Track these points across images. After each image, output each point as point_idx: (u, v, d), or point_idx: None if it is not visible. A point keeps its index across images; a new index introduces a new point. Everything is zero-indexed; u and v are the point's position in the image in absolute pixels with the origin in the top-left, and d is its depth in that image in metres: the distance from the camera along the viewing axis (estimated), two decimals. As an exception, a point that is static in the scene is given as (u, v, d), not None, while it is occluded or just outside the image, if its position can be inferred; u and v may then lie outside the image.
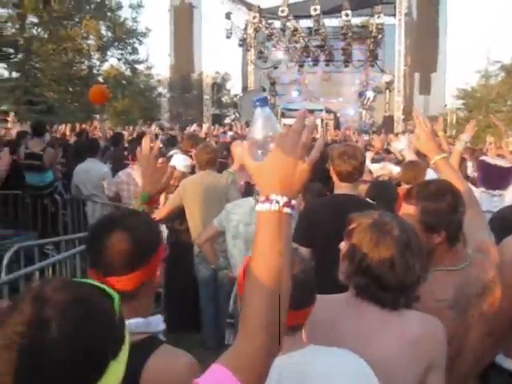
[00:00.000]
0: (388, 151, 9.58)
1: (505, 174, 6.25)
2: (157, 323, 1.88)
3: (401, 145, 8.09)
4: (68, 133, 12.73)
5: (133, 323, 1.71)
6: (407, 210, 2.50)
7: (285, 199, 1.33)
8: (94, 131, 11.68)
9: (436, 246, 2.43)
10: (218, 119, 26.94)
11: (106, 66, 39.59)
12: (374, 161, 7.80)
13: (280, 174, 1.34)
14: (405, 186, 5.68)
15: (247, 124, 18.23)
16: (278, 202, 1.32)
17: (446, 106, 25.28)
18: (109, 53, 38.72)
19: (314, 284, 1.93)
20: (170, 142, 9.55)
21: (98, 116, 13.28)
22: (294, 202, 1.35)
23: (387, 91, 28.28)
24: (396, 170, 7.05)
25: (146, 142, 2.64)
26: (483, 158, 7.11)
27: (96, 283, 1.19)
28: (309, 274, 1.92)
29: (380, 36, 27.99)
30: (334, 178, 3.94)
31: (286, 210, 1.33)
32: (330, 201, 4.09)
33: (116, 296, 1.17)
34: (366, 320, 2.06)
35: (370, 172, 6.86)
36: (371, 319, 2.06)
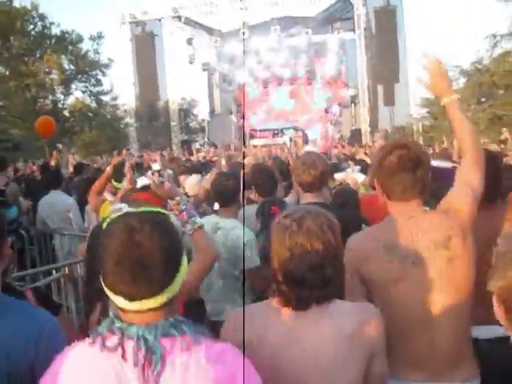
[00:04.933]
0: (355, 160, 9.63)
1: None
2: None
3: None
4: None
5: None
6: None
7: None
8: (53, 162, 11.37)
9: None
10: (186, 145, 26.82)
11: (70, 100, 39.42)
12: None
13: None
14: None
15: (214, 146, 18.21)
16: None
17: (411, 115, 25.48)
18: (73, 86, 38.55)
19: None
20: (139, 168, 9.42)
21: (60, 146, 13.04)
22: None
23: (352, 105, 28.54)
24: (361, 178, 7.03)
25: None
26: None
27: (159, 210, 1.77)
28: None
29: (342, 51, 28.33)
30: (299, 188, 3.88)
31: None
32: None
33: (169, 214, 1.82)
34: (297, 323, 1.99)
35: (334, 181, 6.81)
36: (303, 320, 1.99)
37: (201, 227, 2.85)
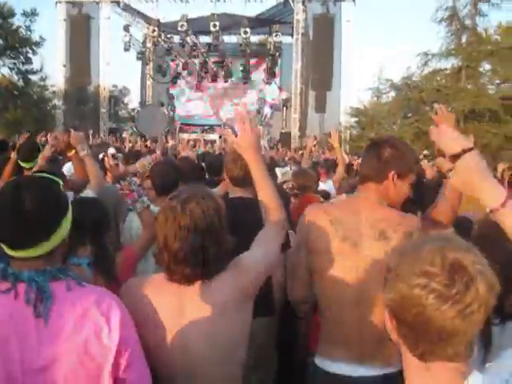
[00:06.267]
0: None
1: None
2: None
3: None
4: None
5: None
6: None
7: None
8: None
9: None
10: (114, 133, 26.30)
11: (-4, 75, 37.92)
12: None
13: None
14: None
15: (142, 136, 18.04)
16: None
17: (340, 123, 25.96)
18: (0, 62, 37.15)
19: None
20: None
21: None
22: None
23: (284, 108, 28.79)
24: None
25: None
26: None
27: (50, 176, 2.04)
28: None
29: (278, 54, 28.55)
30: (229, 182, 3.90)
31: None
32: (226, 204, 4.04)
33: (60, 182, 2.02)
34: (184, 297, 2.15)
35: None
36: (188, 295, 2.15)
37: (148, 207, 3.27)
